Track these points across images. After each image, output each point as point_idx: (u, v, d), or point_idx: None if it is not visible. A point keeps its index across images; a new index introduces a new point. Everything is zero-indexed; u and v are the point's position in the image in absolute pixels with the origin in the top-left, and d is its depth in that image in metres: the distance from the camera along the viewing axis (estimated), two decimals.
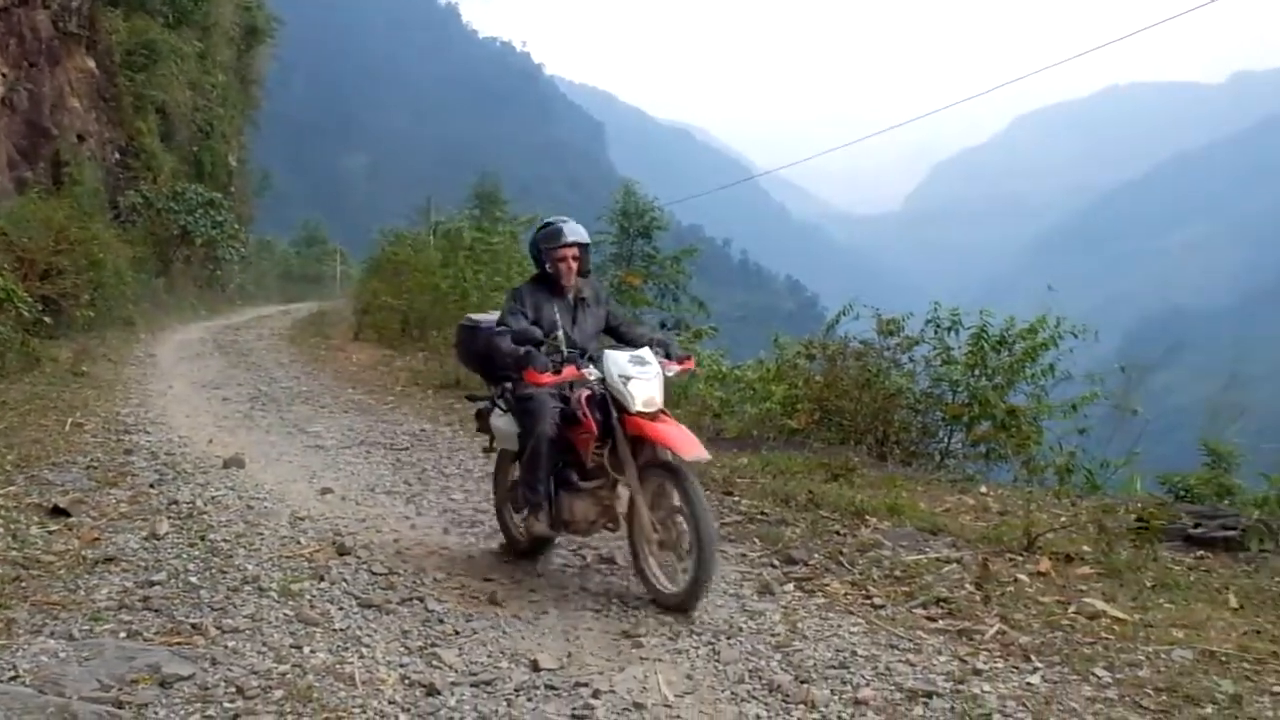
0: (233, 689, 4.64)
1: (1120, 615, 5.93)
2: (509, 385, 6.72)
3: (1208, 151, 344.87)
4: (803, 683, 4.94)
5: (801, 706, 4.70)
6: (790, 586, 6.50)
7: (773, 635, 5.60)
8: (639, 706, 4.64)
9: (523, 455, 6.42)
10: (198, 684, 4.67)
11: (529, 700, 4.70)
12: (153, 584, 6.02)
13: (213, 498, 8.26)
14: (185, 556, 6.62)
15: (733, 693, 4.85)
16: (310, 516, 7.89)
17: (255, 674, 4.83)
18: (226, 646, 5.14)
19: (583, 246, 6.71)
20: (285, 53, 52.02)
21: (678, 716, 4.59)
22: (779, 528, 7.76)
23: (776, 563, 6.99)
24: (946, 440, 12.00)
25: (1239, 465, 10.64)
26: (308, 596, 6.00)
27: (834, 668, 5.16)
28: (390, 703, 4.62)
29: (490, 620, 5.75)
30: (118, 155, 27.44)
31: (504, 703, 4.66)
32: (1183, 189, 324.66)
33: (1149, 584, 6.63)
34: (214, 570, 6.37)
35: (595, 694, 4.75)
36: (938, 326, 12.06)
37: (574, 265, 6.66)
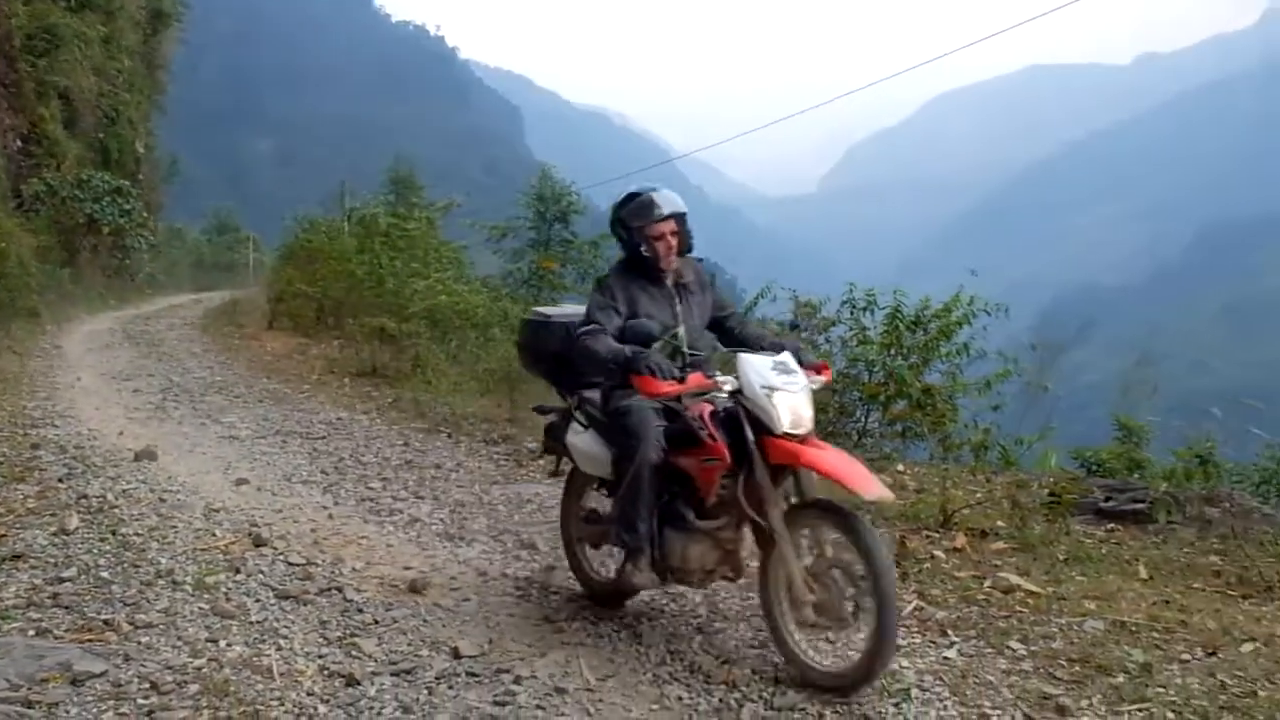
0: (147, 685, 4.56)
1: (1034, 588, 6.04)
2: (588, 394, 5.69)
3: (1117, 131, 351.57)
4: (724, 663, 4.96)
5: (723, 687, 4.72)
6: None
7: (694, 617, 5.63)
8: (561, 691, 4.64)
9: (619, 485, 5.24)
10: (110, 681, 4.59)
11: (450, 688, 4.68)
12: (62, 580, 5.90)
13: (124, 491, 8.09)
14: (96, 551, 6.50)
15: (654, 675, 4.87)
16: (225, 508, 7.78)
17: (170, 669, 4.75)
18: (140, 642, 5.06)
19: (680, 217, 5.46)
20: (192, 37, 50.99)
21: (600, 700, 4.59)
22: None
23: None
24: (864, 419, 12.09)
25: (1150, 440, 10.88)
26: (223, 589, 5.91)
27: (754, 648, 5.20)
28: (309, 694, 4.57)
29: (410, 609, 5.71)
30: (19, 143, 26.75)
31: (425, 691, 4.63)
32: (1094, 168, 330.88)
33: (1062, 557, 6.77)
34: (126, 565, 6.26)
35: (517, 680, 4.74)
36: (854, 307, 12.13)
37: (673, 243, 5.44)
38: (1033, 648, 5.19)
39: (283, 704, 4.45)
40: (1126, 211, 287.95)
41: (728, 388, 4.97)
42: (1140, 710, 4.41)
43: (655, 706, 4.55)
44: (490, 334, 16.64)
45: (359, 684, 4.67)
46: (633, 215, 5.43)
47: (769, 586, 4.89)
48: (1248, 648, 5.19)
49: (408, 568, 6.49)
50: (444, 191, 33.74)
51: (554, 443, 6.03)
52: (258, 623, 5.42)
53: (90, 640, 5.04)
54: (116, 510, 7.51)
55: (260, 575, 6.20)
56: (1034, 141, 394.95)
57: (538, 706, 4.50)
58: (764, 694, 4.65)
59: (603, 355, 5.12)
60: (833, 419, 12.03)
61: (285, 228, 30.73)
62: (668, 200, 5.40)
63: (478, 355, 16.35)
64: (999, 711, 4.54)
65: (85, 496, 7.83)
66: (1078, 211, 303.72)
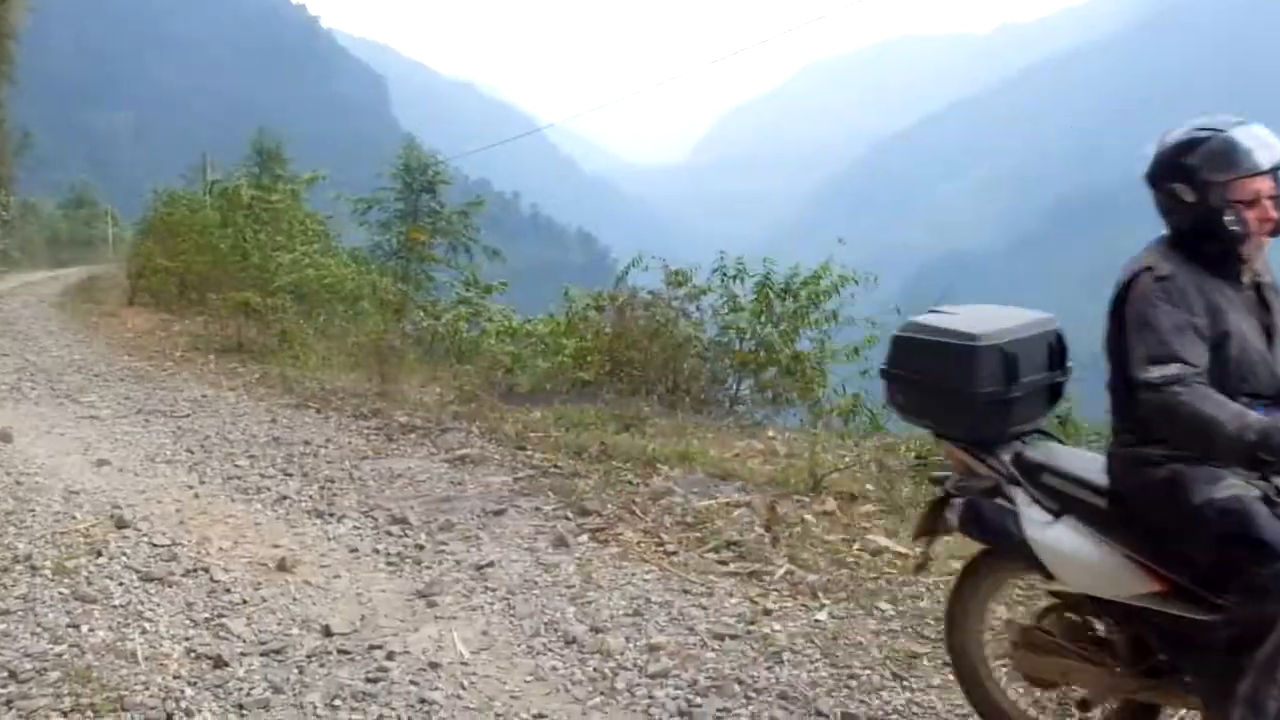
0: (4, 673, 4.43)
1: (902, 550, 6.15)
2: (1034, 457, 3.62)
3: (981, 98, 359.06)
4: (598, 632, 4.98)
5: (597, 656, 4.74)
6: (585, 538, 6.53)
7: (568, 587, 5.63)
8: (435, 666, 4.61)
9: (1257, 643, 2.87)
10: None
11: (321, 666, 4.62)
12: None
13: None
14: None
15: (529, 646, 4.86)
16: (86, 490, 7.56)
17: (29, 656, 4.62)
18: None
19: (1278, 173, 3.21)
20: (43, 5, 49.27)
21: (474, 673, 4.57)
22: (572, 480, 7.79)
23: (570, 515, 7.00)
24: (735, 387, 12.26)
25: None
26: (84, 573, 5.75)
27: (629, 616, 5.22)
28: (175, 677, 4.47)
29: (279, 587, 5.62)
30: None
31: (295, 670, 4.57)
32: (960, 136, 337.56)
33: None
34: None
35: (390, 656, 4.70)
36: (724, 276, 12.29)
37: (1274, 215, 3.20)
38: (901, 608, 5.30)
39: (148, 688, 4.35)
40: (991, 178, 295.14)
41: None
42: (1005, 665, 4.53)
43: (530, 678, 4.55)
44: (358, 307, 16.45)
45: (227, 665, 4.58)
46: (1210, 164, 3.18)
47: None
48: None
49: (276, 546, 6.38)
50: (309, 163, 33.12)
51: (981, 532, 3.77)
52: (121, 606, 5.28)
53: None
54: None
55: (123, 558, 6.04)
56: (901, 110, 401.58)
57: (411, 682, 4.46)
58: (638, 662, 4.68)
59: (1233, 434, 2.96)
60: (704, 387, 12.17)
61: (145, 201, 29.94)
62: (1264, 142, 3.19)
63: (346, 329, 16.15)
64: (869, 671, 4.63)
65: None
66: (945, 179, 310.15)
